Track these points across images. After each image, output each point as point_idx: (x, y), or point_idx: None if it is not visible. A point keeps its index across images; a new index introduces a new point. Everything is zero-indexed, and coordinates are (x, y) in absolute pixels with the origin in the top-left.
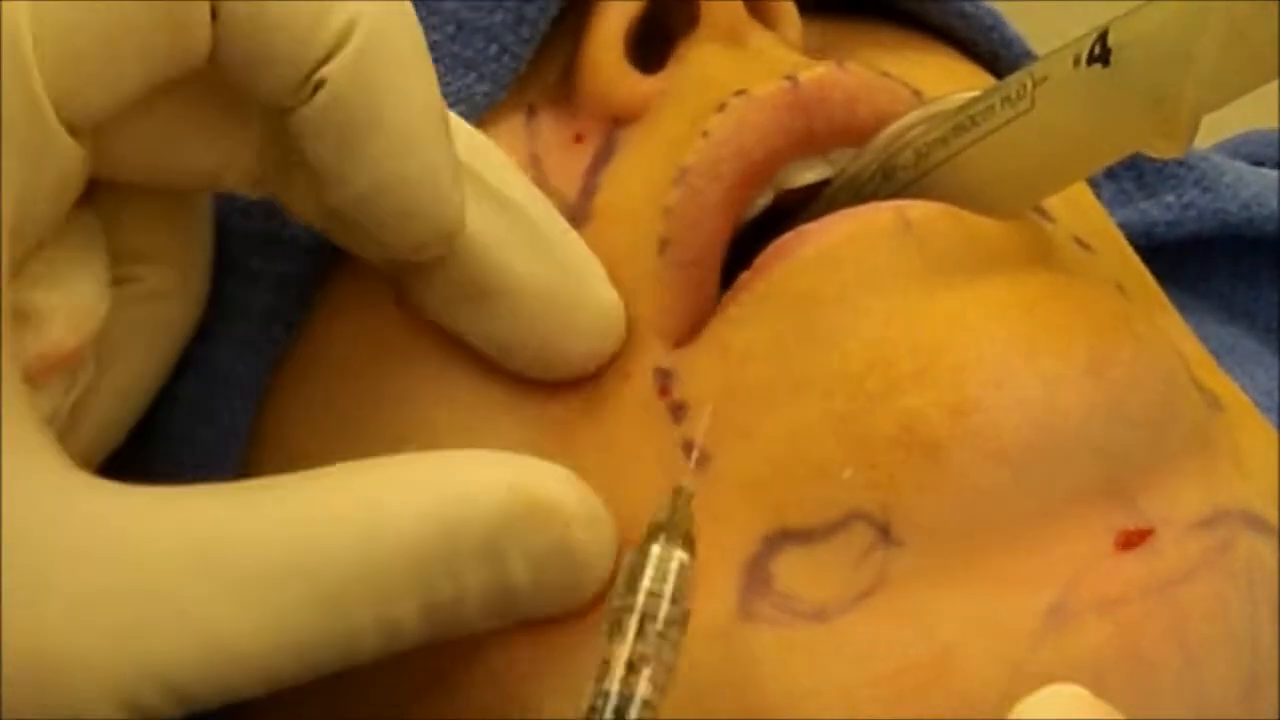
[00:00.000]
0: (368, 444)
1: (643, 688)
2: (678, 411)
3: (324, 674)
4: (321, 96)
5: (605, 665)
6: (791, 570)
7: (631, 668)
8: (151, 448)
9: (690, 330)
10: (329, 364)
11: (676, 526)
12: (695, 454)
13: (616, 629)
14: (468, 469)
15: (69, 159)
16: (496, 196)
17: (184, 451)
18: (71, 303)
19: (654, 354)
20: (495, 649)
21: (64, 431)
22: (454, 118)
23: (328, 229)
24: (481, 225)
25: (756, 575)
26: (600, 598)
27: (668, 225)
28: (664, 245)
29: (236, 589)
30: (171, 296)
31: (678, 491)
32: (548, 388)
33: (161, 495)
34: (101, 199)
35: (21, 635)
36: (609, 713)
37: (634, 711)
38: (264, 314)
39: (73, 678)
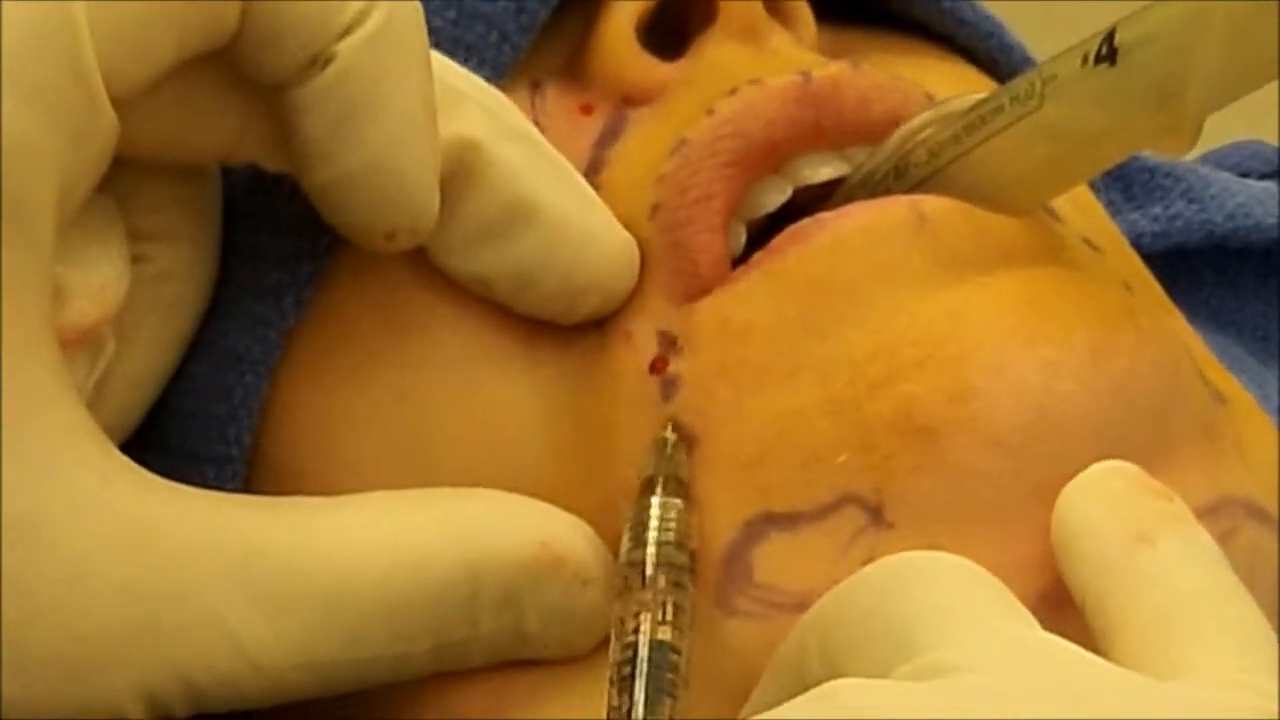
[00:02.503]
0: (381, 413)
1: (668, 633)
2: (668, 388)
3: (331, 695)
4: (329, 72)
5: (621, 622)
6: (773, 558)
7: (651, 616)
8: (165, 426)
9: (691, 295)
10: (341, 336)
11: (668, 476)
12: (670, 432)
13: (629, 584)
14: (501, 518)
15: (110, 133)
16: (516, 131)
17: (197, 429)
18: (93, 279)
19: (655, 315)
20: (490, 676)
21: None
22: (469, 73)
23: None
24: (506, 153)
25: (735, 567)
26: (600, 645)
27: (659, 192)
28: (654, 210)
29: (268, 605)
30: (182, 276)
31: (661, 442)
32: (557, 343)
33: (206, 499)
34: (114, 179)
35: (60, 621)
36: (641, 663)
37: (664, 656)
38: (273, 290)
39: (103, 667)
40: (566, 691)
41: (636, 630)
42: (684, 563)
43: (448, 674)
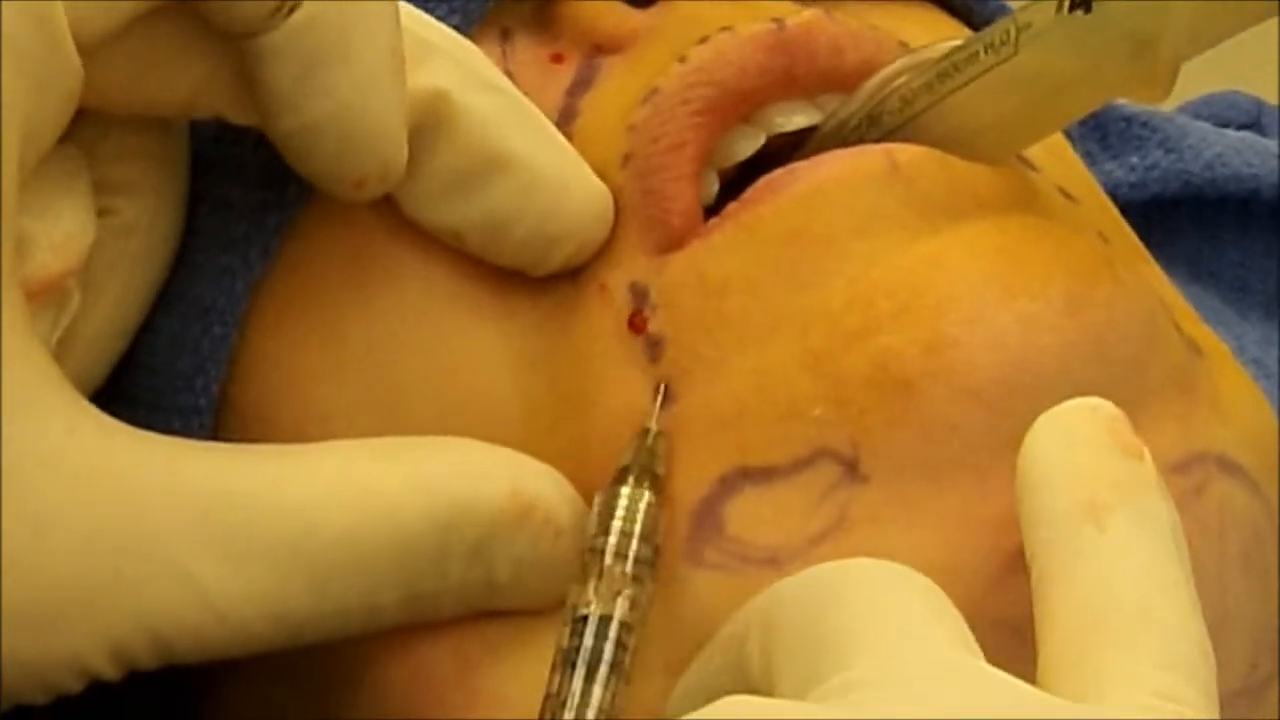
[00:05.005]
0: (351, 364)
1: (620, 611)
2: (654, 348)
3: (302, 645)
4: (295, 18)
5: (574, 608)
6: (745, 513)
7: (606, 602)
8: (131, 377)
9: (664, 245)
10: (309, 287)
11: (643, 468)
12: (660, 398)
13: (587, 571)
14: (471, 466)
15: (74, 81)
16: (486, 81)
17: (165, 381)
18: (57, 230)
19: (628, 267)
20: (457, 628)
21: None
22: (438, 23)
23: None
24: (475, 103)
25: (707, 520)
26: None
27: (631, 141)
28: (626, 159)
29: (234, 554)
30: (149, 228)
31: (643, 434)
32: (529, 294)
33: (172, 446)
34: (79, 130)
35: (24, 574)
36: (588, 637)
37: (613, 632)
38: (241, 242)
39: (68, 620)
40: (533, 643)
41: (585, 619)
42: (646, 556)
43: (414, 627)
